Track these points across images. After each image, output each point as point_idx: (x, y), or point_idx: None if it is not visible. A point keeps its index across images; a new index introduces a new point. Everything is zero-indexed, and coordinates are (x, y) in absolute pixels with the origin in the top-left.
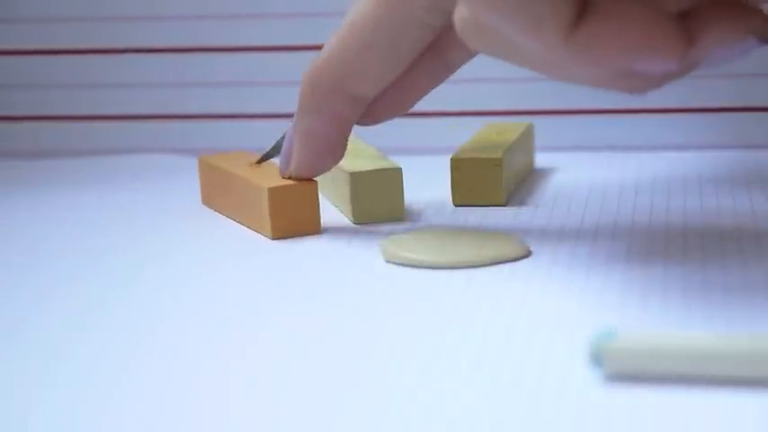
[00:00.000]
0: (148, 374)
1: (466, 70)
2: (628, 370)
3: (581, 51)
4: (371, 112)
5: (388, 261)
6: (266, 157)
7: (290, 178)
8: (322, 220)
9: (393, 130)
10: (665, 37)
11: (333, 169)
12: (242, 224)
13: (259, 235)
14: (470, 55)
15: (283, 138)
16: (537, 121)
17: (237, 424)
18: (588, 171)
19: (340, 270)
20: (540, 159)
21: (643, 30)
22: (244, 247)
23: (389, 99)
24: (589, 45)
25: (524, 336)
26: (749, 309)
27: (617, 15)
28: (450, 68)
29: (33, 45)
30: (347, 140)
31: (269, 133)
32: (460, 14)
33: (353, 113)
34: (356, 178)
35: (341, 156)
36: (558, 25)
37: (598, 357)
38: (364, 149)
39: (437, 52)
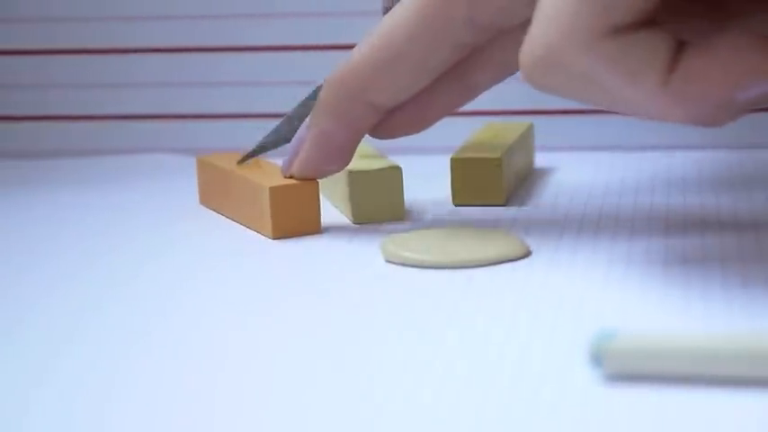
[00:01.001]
0: (147, 374)
1: None
2: (628, 370)
3: (681, 93)
4: (388, 127)
5: (388, 261)
6: (249, 156)
7: (291, 177)
8: (322, 220)
9: None
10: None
11: None
12: (241, 224)
13: (259, 234)
14: (495, 80)
15: (267, 137)
16: (537, 121)
17: (236, 424)
18: (588, 171)
19: (340, 270)
20: (540, 159)
21: (747, 56)
22: (243, 247)
23: (408, 115)
24: (689, 84)
25: (524, 336)
26: (749, 309)
27: (716, 48)
28: (472, 91)
29: (33, 45)
30: (357, 147)
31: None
32: (533, 52)
33: (370, 122)
34: (356, 178)
35: (348, 161)
36: (654, 72)
37: (598, 357)
38: (364, 149)
39: (461, 73)
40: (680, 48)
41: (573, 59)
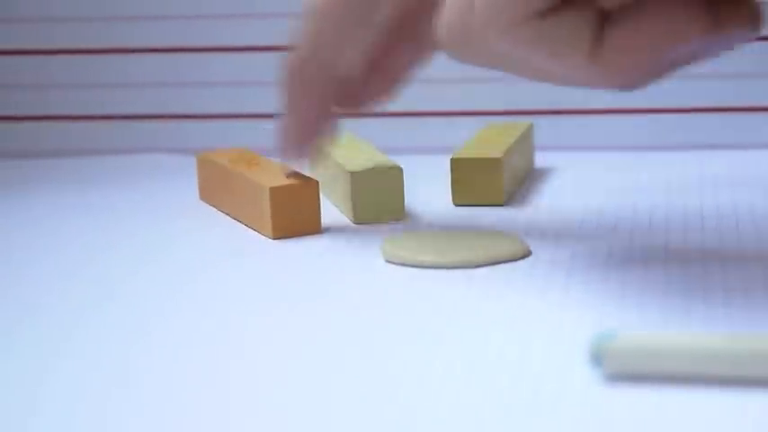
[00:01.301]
0: (147, 373)
1: (466, 70)
2: (628, 370)
3: (609, 65)
4: (355, 98)
5: (388, 261)
6: None
7: (291, 177)
8: (322, 220)
9: (393, 130)
10: (693, 17)
11: (333, 169)
12: (242, 223)
13: (259, 234)
14: None
15: None
16: (537, 121)
17: (236, 424)
18: (588, 171)
19: (340, 270)
20: (540, 159)
21: (671, 21)
22: (244, 247)
23: (372, 83)
24: (616, 56)
25: (524, 336)
26: (749, 309)
27: (640, 17)
28: (426, 47)
29: (33, 45)
30: (331, 119)
31: (269, 133)
32: (450, 28)
33: (330, 86)
34: (356, 177)
35: (327, 131)
36: (579, 51)
37: (598, 357)
38: (364, 148)
39: (410, 29)
40: (604, 22)
41: (492, 42)
